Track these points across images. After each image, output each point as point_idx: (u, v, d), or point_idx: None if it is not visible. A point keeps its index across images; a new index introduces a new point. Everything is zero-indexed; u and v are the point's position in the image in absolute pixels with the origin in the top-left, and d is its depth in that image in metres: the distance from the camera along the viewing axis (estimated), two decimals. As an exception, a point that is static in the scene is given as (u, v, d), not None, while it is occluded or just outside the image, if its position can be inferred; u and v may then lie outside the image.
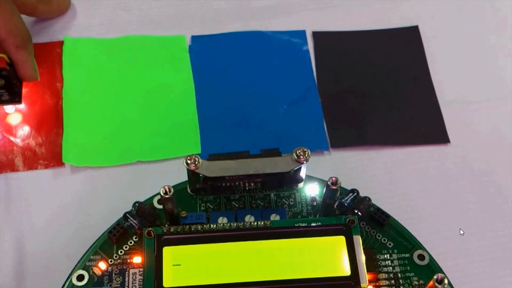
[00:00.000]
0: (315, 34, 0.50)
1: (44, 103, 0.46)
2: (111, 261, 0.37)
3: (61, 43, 0.48)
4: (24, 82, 0.43)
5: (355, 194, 0.39)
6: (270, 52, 0.49)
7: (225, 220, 0.38)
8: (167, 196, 0.35)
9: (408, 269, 0.37)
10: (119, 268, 0.37)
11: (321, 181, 0.40)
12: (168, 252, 0.35)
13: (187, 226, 0.36)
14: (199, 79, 0.47)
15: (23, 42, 0.41)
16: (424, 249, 0.38)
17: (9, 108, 0.45)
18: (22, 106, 0.45)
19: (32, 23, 0.48)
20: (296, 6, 0.51)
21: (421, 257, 0.38)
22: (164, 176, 0.43)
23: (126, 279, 0.37)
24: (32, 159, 0.43)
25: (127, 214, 0.38)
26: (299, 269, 0.34)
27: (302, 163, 0.37)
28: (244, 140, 0.45)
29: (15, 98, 0.42)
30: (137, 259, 0.37)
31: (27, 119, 0.45)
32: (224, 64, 0.48)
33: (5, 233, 0.41)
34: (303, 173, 0.38)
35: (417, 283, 0.37)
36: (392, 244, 0.38)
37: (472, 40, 0.50)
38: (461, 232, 0.42)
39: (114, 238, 0.37)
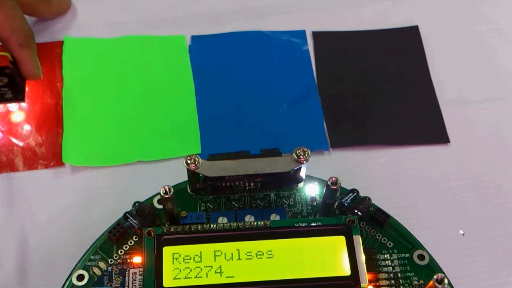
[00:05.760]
0: (315, 34, 0.50)
1: (44, 103, 0.46)
2: (111, 261, 0.37)
3: (61, 43, 0.48)
4: (26, 81, 0.43)
5: (355, 194, 0.39)
6: (270, 52, 0.49)
7: (225, 220, 0.38)
8: (167, 196, 0.35)
9: (408, 269, 0.37)
10: (119, 268, 0.37)
11: (321, 181, 0.40)
12: (168, 252, 0.35)
13: (187, 226, 0.36)
14: (199, 79, 0.47)
15: (26, 40, 0.41)
16: (424, 249, 0.38)
17: (12, 107, 0.45)
18: (22, 105, 0.45)
19: (32, 23, 0.48)
20: (296, 6, 0.51)
21: (421, 257, 0.38)
22: (164, 176, 0.43)
23: (126, 279, 0.37)
24: (32, 159, 0.43)
25: (127, 214, 0.38)
26: (299, 269, 0.34)
27: (302, 163, 0.37)
28: (244, 140, 0.45)
29: (18, 96, 0.42)
30: (137, 259, 0.37)
31: (27, 119, 0.45)
32: (224, 64, 0.48)
33: (5, 233, 0.41)
34: (303, 173, 0.38)
35: (417, 283, 0.37)
36: (392, 244, 0.38)
37: (472, 40, 0.50)
38: (461, 232, 0.42)
39: (114, 238, 0.37)
